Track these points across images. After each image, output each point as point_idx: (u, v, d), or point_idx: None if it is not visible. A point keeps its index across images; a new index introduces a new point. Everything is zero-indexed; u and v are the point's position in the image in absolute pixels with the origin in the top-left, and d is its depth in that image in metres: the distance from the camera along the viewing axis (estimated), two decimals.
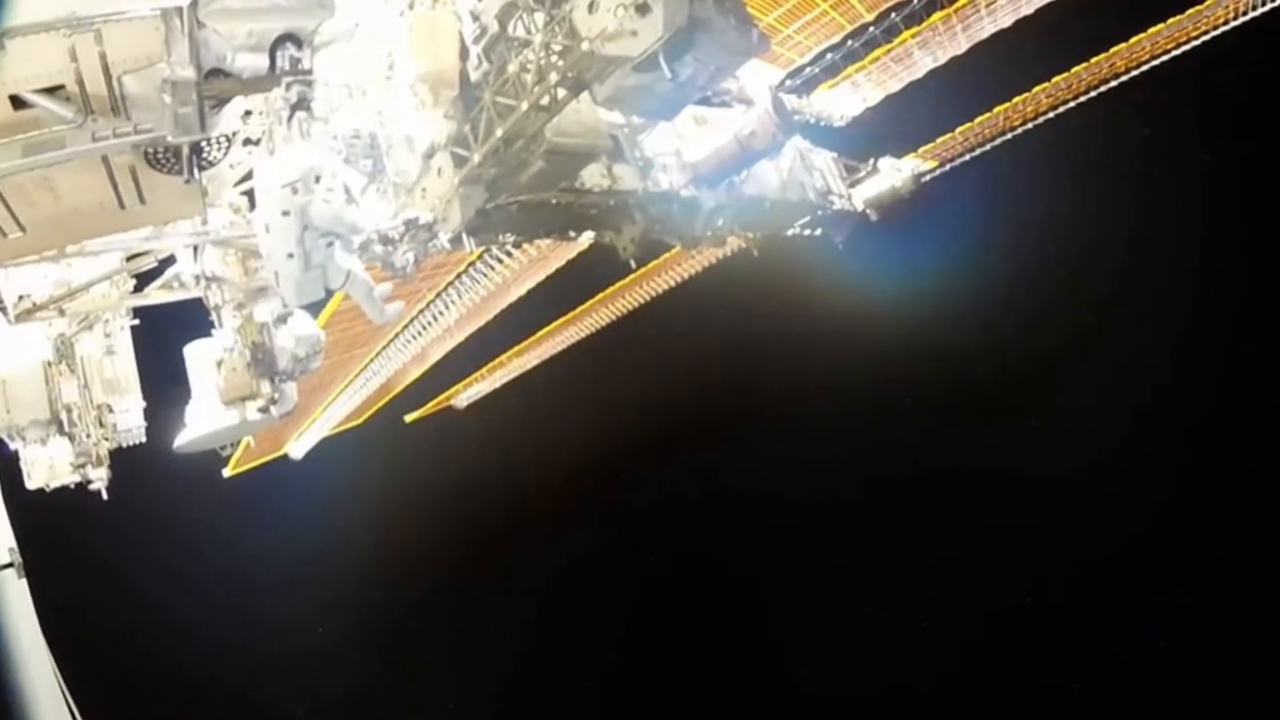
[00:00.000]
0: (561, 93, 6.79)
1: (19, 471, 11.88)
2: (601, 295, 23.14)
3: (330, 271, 7.72)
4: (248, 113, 8.31)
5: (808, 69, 14.78)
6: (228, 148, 7.42)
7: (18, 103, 5.72)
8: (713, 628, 38.38)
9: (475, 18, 7.20)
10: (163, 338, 11.86)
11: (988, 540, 34.61)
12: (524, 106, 6.84)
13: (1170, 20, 16.70)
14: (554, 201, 9.07)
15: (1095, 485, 33.66)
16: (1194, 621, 32.15)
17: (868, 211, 14.00)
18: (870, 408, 35.99)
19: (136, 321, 12.25)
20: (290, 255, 7.35)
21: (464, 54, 7.25)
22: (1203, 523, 32.40)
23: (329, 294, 8.09)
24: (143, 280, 11.41)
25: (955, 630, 35.15)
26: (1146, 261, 33.11)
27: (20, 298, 10.35)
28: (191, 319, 10.80)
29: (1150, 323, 33.34)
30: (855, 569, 36.57)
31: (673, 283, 21.85)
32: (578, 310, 24.24)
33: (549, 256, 17.43)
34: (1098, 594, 33.55)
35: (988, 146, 17.30)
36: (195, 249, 9.95)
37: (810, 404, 36.17)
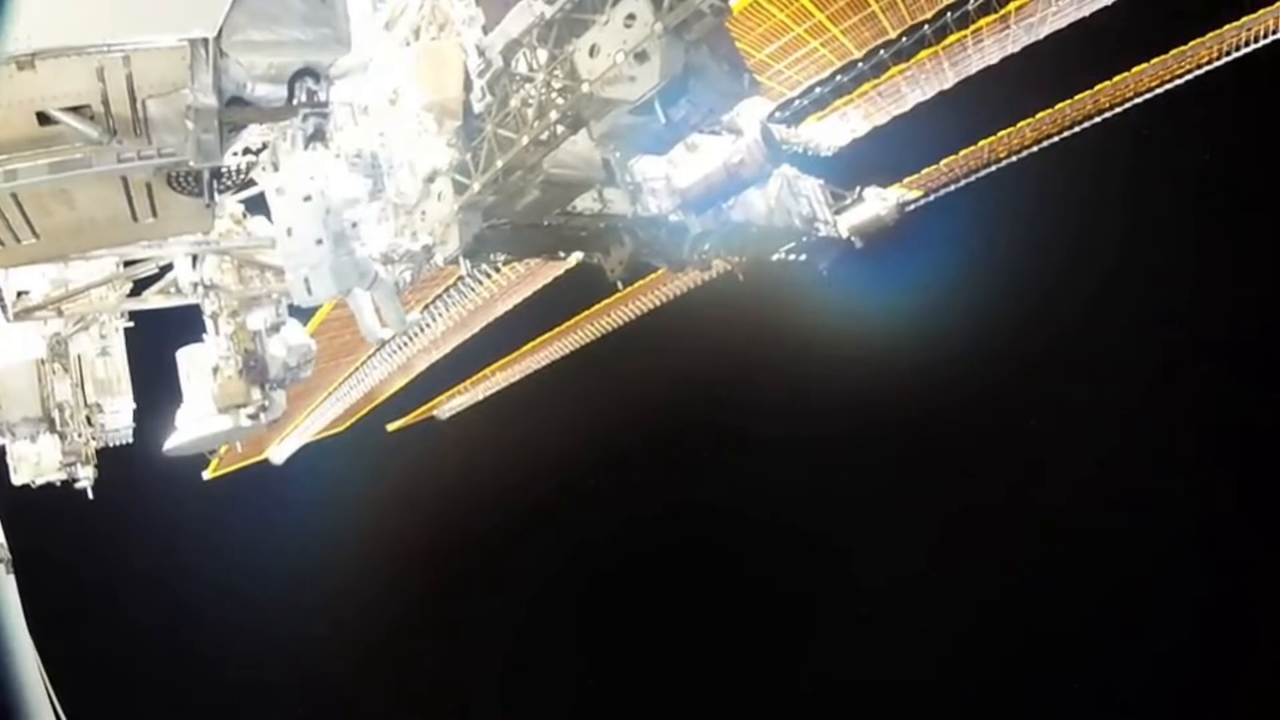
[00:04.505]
0: (560, 129, 7.10)
1: (5, 467, 12.00)
2: (586, 313, 23.32)
3: (361, 261, 7.97)
4: None
5: (796, 101, 15.06)
6: (246, 173, 7.66)
7: (44, 119, 5.96)
8: (703, 636, 38.77)
9: (480, 52, 7.48)
10: (153, 340, 12.06)
11: (985, 546, 35.22)
12: (524, 140, 7.15)
13: (1154, 60, 16.99)
14: (546, 223, 9.38)
15: (1093, 493, 34.19)
16: (1194, 622, 32.46)
17: (852, 238, 14.30)
18: (851, 429, 36.40)
19: (131, 324, 12.41)
20: (319, 241, 7.63)
21: (468, 86, 7.55)
22: (1203, 523, 32.86)
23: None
24: (139, 284, 11.66)
25: (954, 630, 35.59)
26: (1133, 288, 33.74)
27: (19, 295, 10.58)
28: (183, 323, 11.05)
29: (1138, 345, 33.83)
30: (850, 570, 37.20)
31: (657, 303, 22.06)
32: (561, 327, 24.40)
33: (536, 273, 17.64)
34: (1098, 594, 33.95)
35: (972, 178, 17.57)
36: (194, 257, 10.22)
37: (791, 424, 36.53)
